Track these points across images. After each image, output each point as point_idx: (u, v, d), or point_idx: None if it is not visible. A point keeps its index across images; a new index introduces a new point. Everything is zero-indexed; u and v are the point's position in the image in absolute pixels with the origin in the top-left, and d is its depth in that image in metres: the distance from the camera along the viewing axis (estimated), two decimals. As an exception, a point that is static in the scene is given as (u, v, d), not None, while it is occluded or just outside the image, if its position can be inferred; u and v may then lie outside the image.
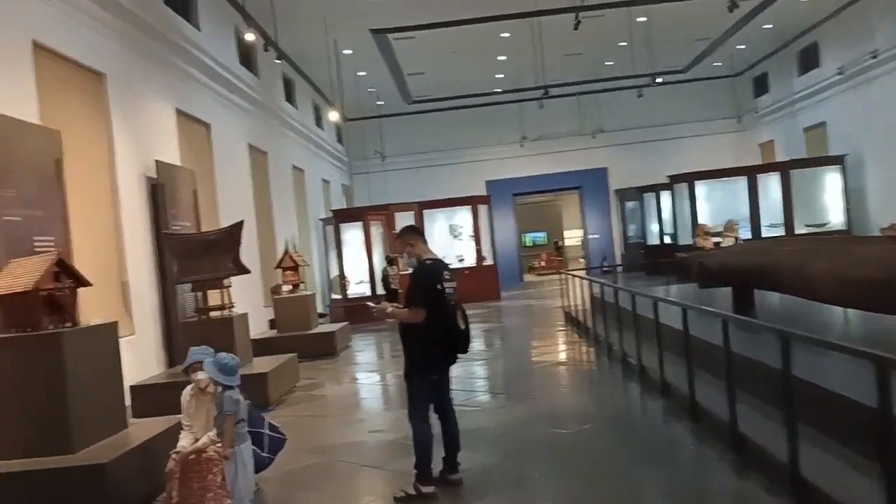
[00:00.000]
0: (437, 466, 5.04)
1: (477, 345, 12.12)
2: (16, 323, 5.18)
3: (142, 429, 5.71)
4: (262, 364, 8.89)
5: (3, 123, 6.87)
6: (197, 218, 11.44)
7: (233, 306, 9.01)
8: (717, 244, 13.22)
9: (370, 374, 9.98)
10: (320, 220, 19.46)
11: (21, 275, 5.17)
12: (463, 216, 21.57)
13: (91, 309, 8.80)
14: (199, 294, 8.94)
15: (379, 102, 25.59)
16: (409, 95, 26.16)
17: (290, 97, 20.19)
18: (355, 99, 23.19)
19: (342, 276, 17.81)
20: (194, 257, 8.62)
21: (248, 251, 13.98)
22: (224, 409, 4.57)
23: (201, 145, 12.99)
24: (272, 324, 13.69)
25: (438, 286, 4.78)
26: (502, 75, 24.47)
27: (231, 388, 4.63)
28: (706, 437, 5.72)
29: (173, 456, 4.76)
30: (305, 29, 16.91)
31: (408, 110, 27.27)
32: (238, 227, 8.81)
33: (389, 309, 4.97)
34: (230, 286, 9.07)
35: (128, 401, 8.35)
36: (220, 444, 4.66)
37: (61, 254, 5.25)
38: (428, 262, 4.95)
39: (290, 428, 7.16)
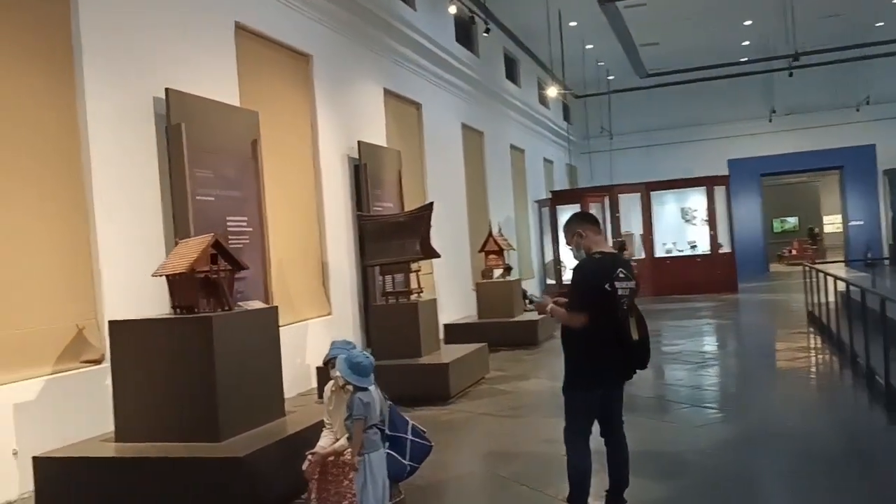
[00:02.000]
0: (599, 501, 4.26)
1: (698, 345, 10.83)
2: (179, 304, 5.16)
3: (298, 418, 5.50)
4: (448, 353, 8.51)
5: (198, 104, 7.02)
6: (401, 199, 11.34)
7: (421, 291, 8.71)
8: None
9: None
10: (536, 202, 18.85)
11: (184, 255, 5.13)
12: (697, 199, 19.82)
13: (290, 288, 8.99)
14: (389, 277, 8.74)
15: (609, 77, 24.38)
16: (642, 68, 24.61)
17: (511, 75, 19.75)
18: (583, 74, 22.22)
19: (557, 260, 17.10)
20: (382, 240, 8.42)
21: (457, 233, 13.75)
22: (353, 412, 4.13)
23: (410, 125, 12.93)
24: (479, 308, 13.38)
25: (606, 286, 3.93)
26: (748, 42, 22.18)
27: (364, 389, 4.18)
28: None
29: (309, 457, 4.43)
30: (528, 2, 16.32)
31: (640, 84, 25.73)
32: (427, 209, 8.45)
33: (550, 305, 4.22)
34: (419, 270, 8.77)
35: (313, 382, 8.46)
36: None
37: (217, 236, 5.12)
38: (596, 256, 4.13)
39: (461, 427, 6.72)
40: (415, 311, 8.27)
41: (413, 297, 8.53)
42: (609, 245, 4.31)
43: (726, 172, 23.43)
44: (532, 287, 18.66)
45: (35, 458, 4.83)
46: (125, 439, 4.97)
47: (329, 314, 9.66)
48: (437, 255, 8.90)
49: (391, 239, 8.38)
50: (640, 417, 6.40)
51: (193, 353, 4.86)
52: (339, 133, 10.18)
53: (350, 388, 4.59)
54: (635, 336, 3.97)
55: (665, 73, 25.08)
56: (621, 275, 4.01)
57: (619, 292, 3.98)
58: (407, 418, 4.74)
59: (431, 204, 8.53)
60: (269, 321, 5.49)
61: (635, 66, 24.26)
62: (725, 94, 25.14)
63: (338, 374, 4.52)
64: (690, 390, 7.68)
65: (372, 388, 4.37)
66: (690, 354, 9.84)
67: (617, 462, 4.24)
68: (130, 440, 4.95)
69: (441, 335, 12.11)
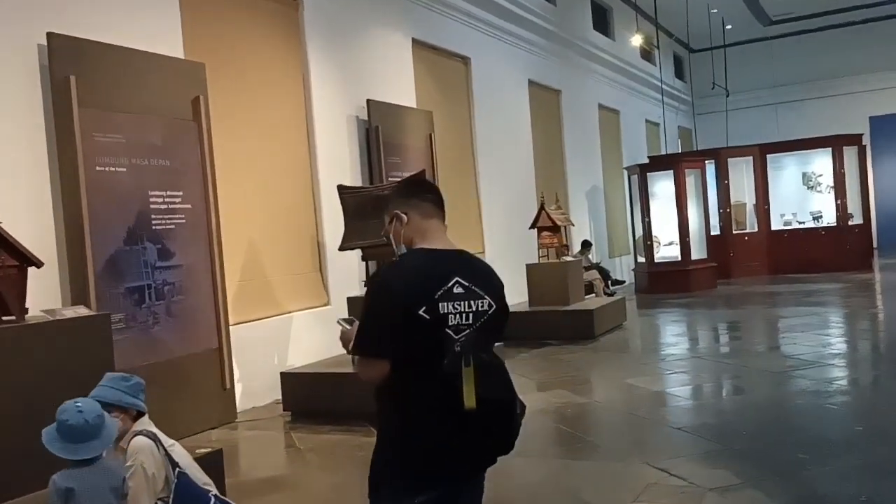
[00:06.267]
0: None
1: (806, 344, 8.44)
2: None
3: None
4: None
5: (103, 53, 5.69)
6: (433, 168, 9.71)
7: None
8: None
9: (614, 379, 7.27)
10: (625, 168, 16.61)
11: (-29, 247, 3.78)
12: (823, 162, 16.87)
13: (269, 275, 7.62)
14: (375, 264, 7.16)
15: (727, 27, 21.44)
16: (764, 15, 21.54)
17: (602, 26, 17.47)
18: (688, 23, 19.59)
19: (647, 235, 14.88)
20: (362, 218, 6.84)
21: (519, 207, 11.91)
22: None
23: (455, 83, 11.21)
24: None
25: (422, 311, 2.20)
26: (892, -24, 18.75)
27: (82, 463, 2.64)
28: None
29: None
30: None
31: (764, 34, 22.58)
32: (416, 178, 6.79)
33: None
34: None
35: (278, 394, 7.02)
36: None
37: (-3, 220, 3.71)
38: (410, 258, 2.34)
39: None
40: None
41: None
42: (444, 237, 2.45)
43: (867, 130, 20.16)
44: (619, 270, 16.53)
45: None
46: None
47: (326, 304, 8.23)
48: (435, 236, 7.24)
49: (372, 217, 6.78)
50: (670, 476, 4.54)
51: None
52: (343, 91, 8.65)
53: (123, 446, 3.12)
54: (469, 402, 2.18)
55: (792, 19, 21.85)
56: (457, 290, 2.25)
57: (451, 321, 2.23)
58: (209, 492, 3.18)
59: (423, 172, 6.91)
60: (95, 333, 4.06)
61: (756, 13, 21.25)
62: (865, 40, 21.57)
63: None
64: (784, 418, 5.60)
65: (109, 457, 2.83)
66: (791, 358, 7.67)
67: None
68: None
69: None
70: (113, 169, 5.70)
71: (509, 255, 11.62)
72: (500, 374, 2.28)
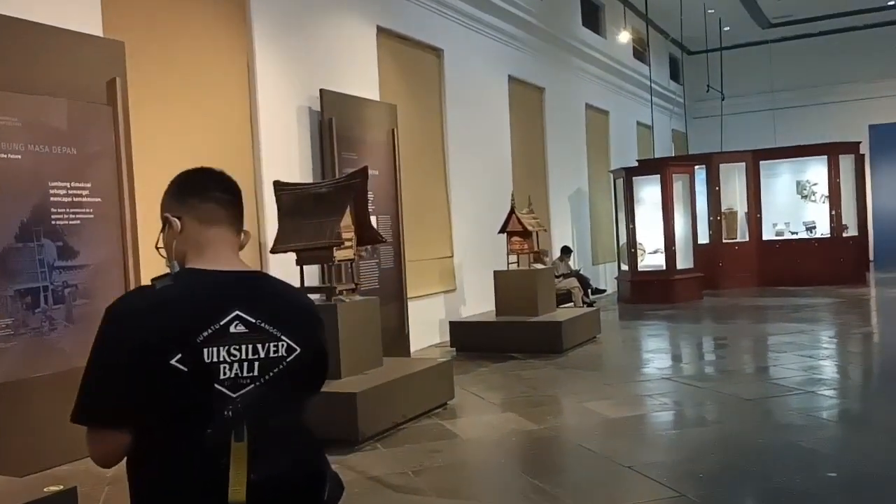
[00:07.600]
0: None
1: (795, 370, 7.82)
2: None
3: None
4: (386, 371, 6.20)
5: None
6: (394, 165, 9.07)
7: (354, 287, 6.43)
8: None
9: (571, 402, 6.65)
10: (610, 172, 15.97)
11: None
12: (819, 170, 16.23)
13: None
14: (323, 269, 6.55)
15: (725, 28, 20.80)
16: (763, 17, 20.91)
17: (592, 22, 16.81)
18: (692, 27, 18.98)
19: (631, 242, 14.24)
20: (298, 217, 6.20)
21: (494, 209, 11.22)
22: None
23: (425, 76, 10.56)
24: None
25: (176, 360, 1.53)
26: (896, -20, 18.13)
27: None
28: None
29: None
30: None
31: (763, 38, 21.95)
32: (359, 175, 6.18)
33: None
34: (356, 258, 6.48)
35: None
36: None
37: None
38: (162, 282, 1.68)
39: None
40: (333, 315, 6.00)
41: (341, 295, 6.26)
42: (233, 254, 1.80)
43: (866, 139, 19.55)
44: (603, 278, 15.88)
45: None
46: None
47: (268, 310, 7.58)
48: (380, 240, 6.64)
49: (309, 216, 6.16)
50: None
51: None
52: (295, 80, 8.02)
53: None
54: (235, 495, 1.51)
55: (791, 22, 21.21)
56: (235, 329, 1.61)
57: (224, 373, 1.58)
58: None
59: (365, 169, 6.24)
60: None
61: (754, 15, 20.62)
62: (867, 46, 20.96)
63: None
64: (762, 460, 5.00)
65: None
66: (771, 383, 7.07)
67: None
68: None
69: (438, 338, 10.09)
70: (4, 156, 5.07)
71: (482, 262, 11.01)
72: (296, 445, 1.64)
